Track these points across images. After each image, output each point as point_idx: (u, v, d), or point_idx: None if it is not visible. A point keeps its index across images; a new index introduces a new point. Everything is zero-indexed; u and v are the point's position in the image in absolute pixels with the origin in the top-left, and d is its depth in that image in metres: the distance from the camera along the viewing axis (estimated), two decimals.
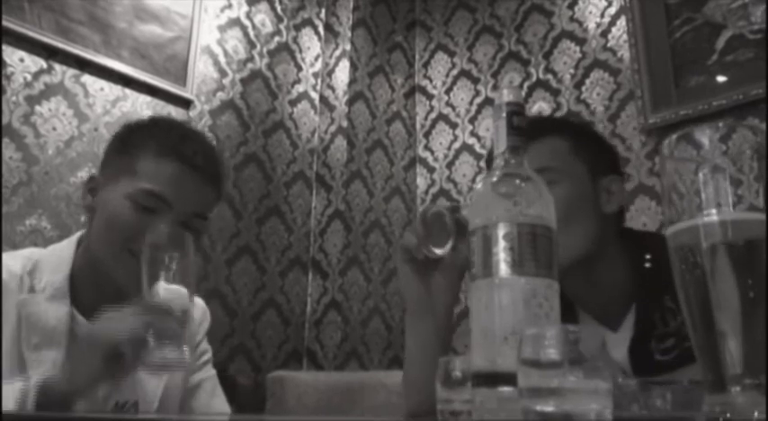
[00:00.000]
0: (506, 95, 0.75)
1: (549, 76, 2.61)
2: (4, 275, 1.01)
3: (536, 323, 0.65)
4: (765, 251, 0.49)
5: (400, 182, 2.85)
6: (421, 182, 2.93)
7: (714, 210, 0.49)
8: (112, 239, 1.02)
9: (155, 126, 1.12)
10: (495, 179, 0.73)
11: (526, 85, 2.68)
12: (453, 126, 2.88)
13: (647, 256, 1.13)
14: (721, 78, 2.16)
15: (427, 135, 2.97)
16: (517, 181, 0.72)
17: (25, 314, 0.99)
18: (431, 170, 2.91)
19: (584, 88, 2.50)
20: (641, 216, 2.23)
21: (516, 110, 0.75)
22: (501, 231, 0.69)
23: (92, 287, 1.06)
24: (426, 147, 2.95)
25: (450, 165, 2.85)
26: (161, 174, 1.03)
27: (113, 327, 0.86)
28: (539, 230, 0.69)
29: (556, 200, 1.05)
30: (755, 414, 0.45)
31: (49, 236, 1.84)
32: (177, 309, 0.86)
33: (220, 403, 1.23)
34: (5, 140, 1.81)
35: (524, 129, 0.75)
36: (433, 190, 2.87)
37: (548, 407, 0.48)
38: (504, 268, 0.68)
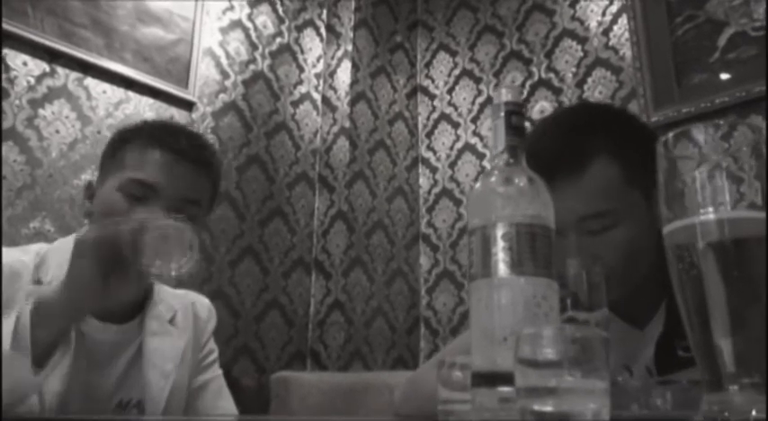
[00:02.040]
0: (505, 95, 0.75)
1: (551, 75, 2.61)
2: (17, 265, 1.02)
3: (535, 323, 0.65)
4: (764, 250, 0.49)
5: (403, 182, 2.85)
6: (424, 182, 2.93)
7: (711, 209, 0.49)
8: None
9: (142, 125, 1.14)
10: (493, 179, 0.73)
11: (528, 84, 2.68)
12: (456, 126, 2.88)
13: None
14: (724, 76, 2.15)
15: (429, 135, 2.97)
16: (516, 180, 0.72)
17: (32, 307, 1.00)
18: (433, 170, 2.91)
19: (586, 87, 2.50)
20: None
21: (515, 109, 0.74)
22: (499, 231, 0.69)
23: None
24: (429, 148, 2.96)
25: (452, 164, 2.85)
26: (147, 163, 1.04)
27: (106, 227, 0.86)
28: (537, 230, 0.69)
29: (615, 245, 0.94)
30: (753, 412, 0.45)
31: (53, 238, 1.84)
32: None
33: (227, 404, 1.23)
34: (9, 144, 1.82)
35: (523, 129, 0.75)
36: (436, 190, 2.87)
37: (545, 407, 0.48)
38: (502, 268, 0.68)
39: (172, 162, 1.05)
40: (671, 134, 0.53)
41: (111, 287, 0.88)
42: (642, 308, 1.05)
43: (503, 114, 0.74)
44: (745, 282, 0.48)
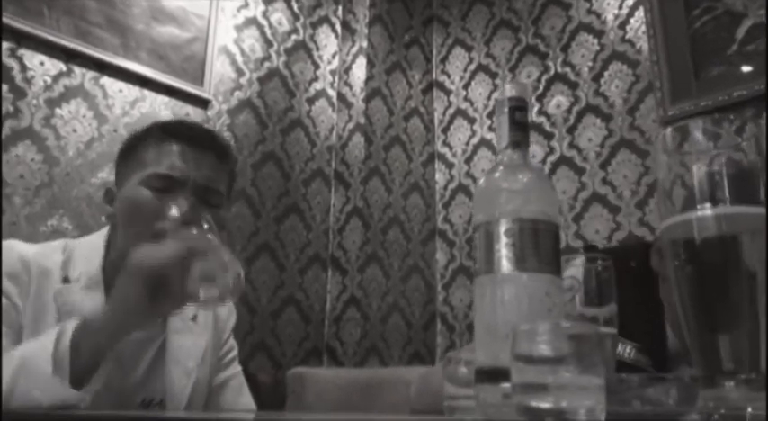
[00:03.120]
0: (509, 91, 0.75)
1: (568, 70, 2.59)
2: (49, 264, 1.03)
3: (539, 319, 0.65)
4: (761, 245, 0.48)
5: (419, 178, 2.85)
6: (440, 177, 2.92)
7: (708, 204, 0.49)
8: (135, 224, 1.03)
9: (153, 124, 1.14)
10: (497, 174, 0.73)
11: (544, 78, 2.66)
12: (471, 121, 2.87)
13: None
14: (746, 68, 2.12)
15: (445, 130, 2.96)
16: (519, 176, 0.72)
17: (61, 303, 1.00)
18: (449, 166, 2.90)
19: (602, 81, 2.48)
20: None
21: (518, 105, 0.74)
22: (503, 227, 0.69)
23: None
24: (445, 143, 2.95)
25: (468, 160, 2.84)
26: (165, 156, 1.05)
27: (157, 251, 0.85)
28: (541, 226, 0.69)
29: None
30: (749, 409, 0.45)
31: (71, 236, 1.87)
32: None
33: (247, 400, 1.23)
34: (27, 143, 1.85)
35: (526, 125, 0.74)
36: (452, 185, 2.87)
37: (541, 403, 0.48)
38: (506, 264, 0.68)
39: (190, 152, 1.06)
40: (669, 129, 0.53)
41: (157, 310, 0.89)
42: None
43: (506, 110, 0.74)
44: (742, 278, 0.47)
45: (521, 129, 0.74)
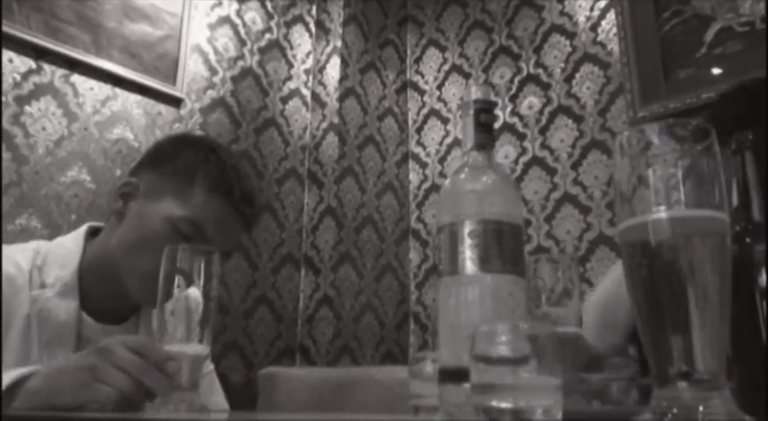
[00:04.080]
0: (474, 93, 0.76)
1: (540, 71, 2.62)
2: (13, 270, 1.00)
3: (501, 319, 0.66)
4: (713, 247, 0.49)
5: (393, 177, 2.86)
6: (413, 177, 2.93)
7: (663, 207, 0.50)
8: (142, 258, 1.01)
9: (211, 158, 1.09)
10: (462, 176, 0.73)
11: (517, 79, 2.68)
12: (445, 121, 2.89)
13: None
14: (715, 70, 2.15)
15: (419, 130, 2.98)
16: (484, 178, 0.73)
17: (36, 310, 0.99)
18: (423, 165, 2.92)
19: (574, 82, 2.51)
20: None
21: (484, 107, 0.75)
22: (466, 228, 0.70)
23: (99, 285, 1.06)
24: (419, 143, 2.96)
25: (442, 160, 2.85)
26: (207, 210, 1.04)
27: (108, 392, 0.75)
28: (504, 227, 0.70)
29: None
30: (701, 408, 0.46)
31: (40, 235, 1.84)
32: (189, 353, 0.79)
33: (219, 399, 1.23)
34: None
35: (491, 127, 0.75)
36: (426, 185, 2.88)
37: (500, 403, 0.49)
38: (469, 265, 0.69)
39: (230, 217, 1.07)
40: (626, 132, 0.54)
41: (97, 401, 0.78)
42: None
43: (472, 112, 0.75)
44: (695, 280, 0.48)
45: (486, 131, 0.75)
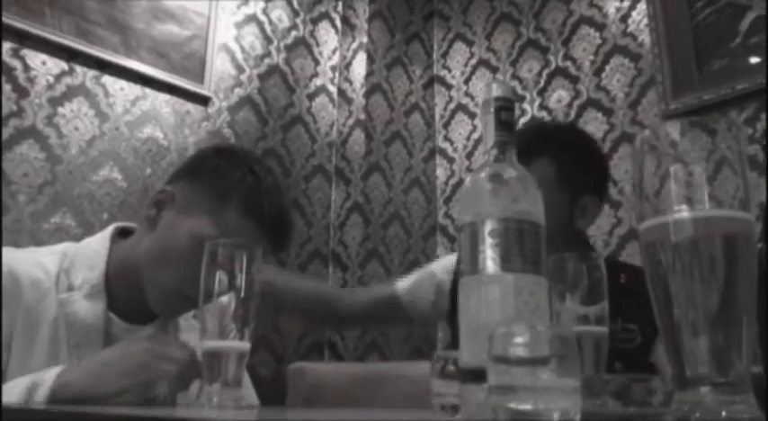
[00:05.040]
0: (495, 90, 0.75)
1: (569, 64, 2.58)
2: (40, 274, 1.00)
3: (522, 319, 0.65)
4: (738, 248, 0.48)
5: (419, 173, 2.85)
6: (440, 173, 2.93)
7: (685, 207, 0.49)
8: (165, 272, 1.01)
9: (248, 180, 1.07)
10: (482, 175, 0.73)
11: (545, 72, 2.65)
12: (472, 116, 2.87)
13: (622, 274, 1.19)
14: (750, 60, 2.10)
15: (446, 126, 2.96)
16: (504, 176, 0.72)
17: (64, 313, 0.99)
18: (450, 161, 2.90)
19: (603, 75, 2.47)
20: None
21: (504, 105, 0.74)
22: (487, 227, 0.69)
23: (126, 287, 1.06)
24: (446, 138, 2.95)
25: (469, 155, 2.84)
26: (238, 233, 1.01)
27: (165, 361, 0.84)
28: (525, 226, 0.69)
29: None
30: (723, 413, 0.45)
31: (74, 233, 1.88)
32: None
33: (250, 394, 1.24)
34: (30, 142, 1.86)
35: (512, 125, 0.75)
36: (453, 181, 2.87)
37: (517, 405, 0.49)
38: (490, 265, 0.68)
39: (258, 241, 1.03)
40: (647, 131, 0.53)
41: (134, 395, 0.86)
42: None
43: (492, 110, 0.74)
44: (718, 282, 0.47)
45: (507, 129, 0.74)
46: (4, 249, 1.04)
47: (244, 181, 1.06)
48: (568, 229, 1.22)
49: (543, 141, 1.26)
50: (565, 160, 1.23)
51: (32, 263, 1.02)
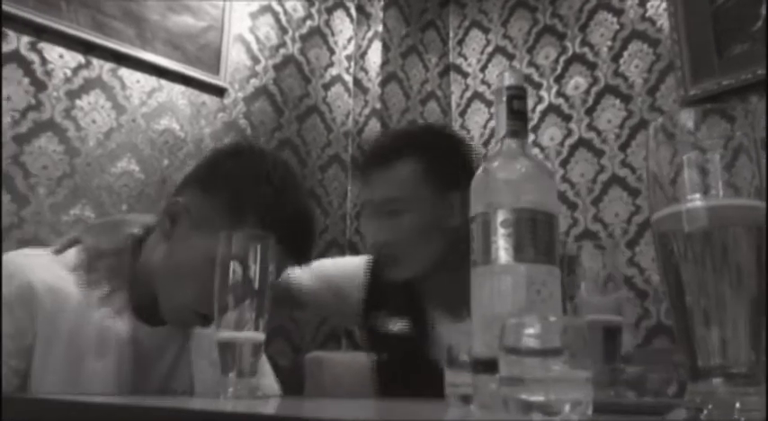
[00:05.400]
0: (507, 79, 0.74)
1: (586, 50, 2.55)
2: (58, 281, 0.98)
3: (535, 309, 0.65)
4: (751, 236, 0.47)
5: None
6: None
7: (698, 196, 0.48)
8: (178, 290, 0.99)
9: (265, 192, 0.99)
10: (494, 164, 0.72)
11: (562, 59, 2.62)
12: (489, 104, 2.85)
13: None
14: None
15: (463, 114, 2.95)
16: (517, 166, 0.71)
17: (86, 319, 0.98)
18: None
19: (621, 61, 2.44)
20: None
21: (516, 93, 0.74)
22: (499, 217, 0.69)
23: (145, 293, 1.03)
24: (462, 127, 2.93)
25: (486, 143, 2.82)
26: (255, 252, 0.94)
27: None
28: (538, 216, 0.68)
29: (399, 229, 1.16)
30: (737, 404, 0.45)
31: None
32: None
33: (269, 382, 1.24)
34: (48, 134, 1.88)
35: (525, 114, 0.74)
36: None
37: (528, 396, 0.49)
38: (502, 255, 0.68)
39: (279, 255, 0.95)
40: (660, 119, 0.52)
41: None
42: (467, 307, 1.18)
43: (504, 99, 0.74)
44: (731, 273, 0.47)
45: (519, 118, 0.73)
46: (22, 254, 1.02)
47: (259, 193, 0.98)
48: (440, 229, 1.18)
49: (405, 144, 1.24)
50: (428, 160, 1.20)
51: (48, 269, 0.99)
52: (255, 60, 2.45)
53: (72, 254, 1.04)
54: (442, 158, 1.21)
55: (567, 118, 2.55)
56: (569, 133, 2.53)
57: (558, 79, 2.61)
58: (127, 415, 0.60)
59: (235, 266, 0.83)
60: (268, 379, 1.25)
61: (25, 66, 1.87)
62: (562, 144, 2.53)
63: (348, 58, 2.80)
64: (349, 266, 1.39)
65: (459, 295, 1.21)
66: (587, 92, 2.51)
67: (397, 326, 1.28)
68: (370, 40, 2.76)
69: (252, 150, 1.09)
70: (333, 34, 2.76)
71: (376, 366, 1.37)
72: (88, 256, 1.02)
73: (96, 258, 1.02)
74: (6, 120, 1.81)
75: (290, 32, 2.60)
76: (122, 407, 0.64)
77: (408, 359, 1.26)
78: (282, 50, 2.55)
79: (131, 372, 1.00)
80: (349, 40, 2.82)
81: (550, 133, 2.58)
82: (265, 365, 1.26)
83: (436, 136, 1.33)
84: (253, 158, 1.04)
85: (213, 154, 1.08)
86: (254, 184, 0.99)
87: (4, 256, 0.99)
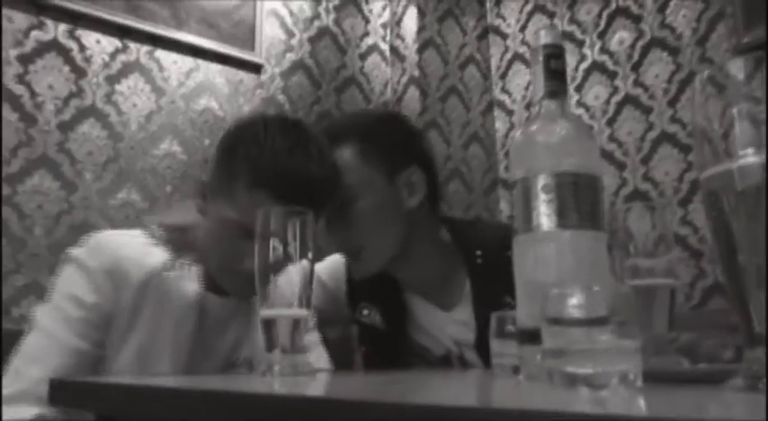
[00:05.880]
0: (543, 37, 0.71)
1: (630, 2, 2.45)
2: (146, 257, 1.06)
3: (581, 277, 0.62)
4: None
5: (478, 127, 2.79)
6: (500, 126, 2.85)
7: (750, 151, 0.45)
8: (213, 259, 1.05)
9: (252, 150, 1.00)
10: (533, 127, 0.70)
11: (605, 13, 2.52)
12: (530, 65, 2.77)
13: (478, 252, 1.16)
14: None
15: (503, 77, 2.88)
16: (556, 128, 0.68)
17: (167, 291, 1.06)
18: (509, 113, 2.83)
19: (668, 11, 2.33)
20: None
21: (554, 52, 0.70)
22: (540, 182, 0.66)
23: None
24: (503, 90, 2.86)
25: (528, 106, 2.75)
26: (254, 206, 0.92)
27: None
28: (581, 180, 0.66)
29: (356, 217, 1.13)
30: None
31: (140, 207, 1.94)
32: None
33: (318, 358, 1.25)
34: (91, 121, 1.91)
35: (563, 73, 0.70)
36: (513, 133, 2.79)
37: (573, 368, 0.47)
38: (545, 221, 0.65)
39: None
40: (707, 71, 0.49)
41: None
42: (441, 292, 1.21)
43: (541, 58, 0.70)
44: None
45: (557, 78, 0.70)
46: (109, 233, 1.10)
47: (248, 151, 1.00)
48: (399, 211, 1.14)
49: (342, 130, 1.17)
50: (367, 141, 1.14)
51: (137, 247, 1.07)
52: (290, 34, 2.43)
53: (154, 232, 1.12)
54: (382, 140, 1.16)
55: (613, 75, 2.46)
56: (615, 91, 2.44)
57: (602, 35, 2.51)
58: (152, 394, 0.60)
59: (274, 243, 0.82)
60: (317, 353, 1.26)
61: (64, 53, 1.89)
62: (608, 102, 2.45)
63: (383, 26, 2.76)
64: (330, 263, 1.38)
65: (437, 282, 1.21)
66: (632, 46, 2.41)
67: (378, 317, 1.26)
68: (405, 7, 2.71)
69: (260, 118, 1.06)
70: (367, 2, 2.72)
71: (362, 356, 1.36)
72: (169, 232, 1.11)
73: (176, 233, 1.11)
74: (50, 108, 1.85)
75: (324, 3, 2.57)
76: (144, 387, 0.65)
77: (391, 350, 1.27)
78: (317, 22, 2.53)
79: (202, 341, 1.07)
80: (384, 8, 2.77)
81: (595, 92, 2.50)
82: (320, 344, 1.27)
83: (375, 119, 1.29)
84: (256, 123, 1.04)
85: (227, 131, 1.10)
86: (246, 142, 1.01)
87: (94, 235, 1.07)
